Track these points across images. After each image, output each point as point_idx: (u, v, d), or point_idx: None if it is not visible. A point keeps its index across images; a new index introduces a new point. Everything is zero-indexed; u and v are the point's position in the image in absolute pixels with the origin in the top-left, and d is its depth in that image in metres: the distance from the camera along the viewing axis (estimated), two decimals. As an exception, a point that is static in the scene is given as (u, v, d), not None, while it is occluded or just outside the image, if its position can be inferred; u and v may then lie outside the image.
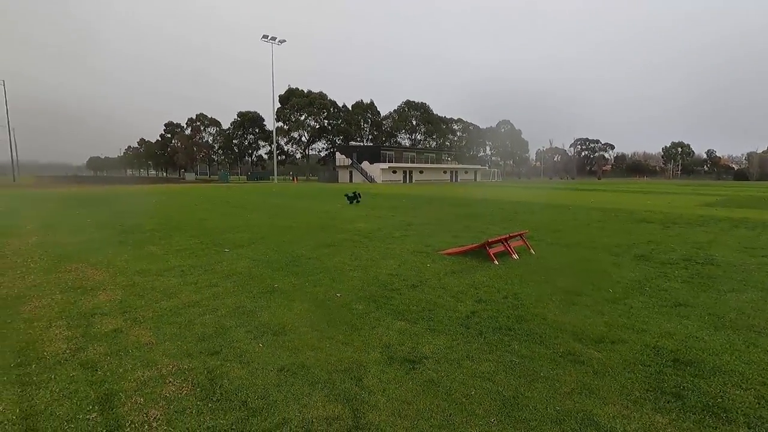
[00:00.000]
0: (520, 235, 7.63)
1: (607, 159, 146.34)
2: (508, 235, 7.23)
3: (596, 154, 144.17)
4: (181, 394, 2.93)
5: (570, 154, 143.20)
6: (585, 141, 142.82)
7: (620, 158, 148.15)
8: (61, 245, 8.34)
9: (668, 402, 2.84)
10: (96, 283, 5.67)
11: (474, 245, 7.33)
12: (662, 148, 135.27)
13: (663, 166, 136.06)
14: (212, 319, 4.33)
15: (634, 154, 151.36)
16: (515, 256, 7.06)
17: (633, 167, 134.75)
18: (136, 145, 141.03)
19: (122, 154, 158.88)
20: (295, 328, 4.12)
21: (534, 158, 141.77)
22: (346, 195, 19.09)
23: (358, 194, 18.96)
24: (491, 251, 6.85)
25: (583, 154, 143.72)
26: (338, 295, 5.14)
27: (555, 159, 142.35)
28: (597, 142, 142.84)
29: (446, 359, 3.46)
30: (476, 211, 15.26)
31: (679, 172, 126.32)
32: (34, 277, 5.97)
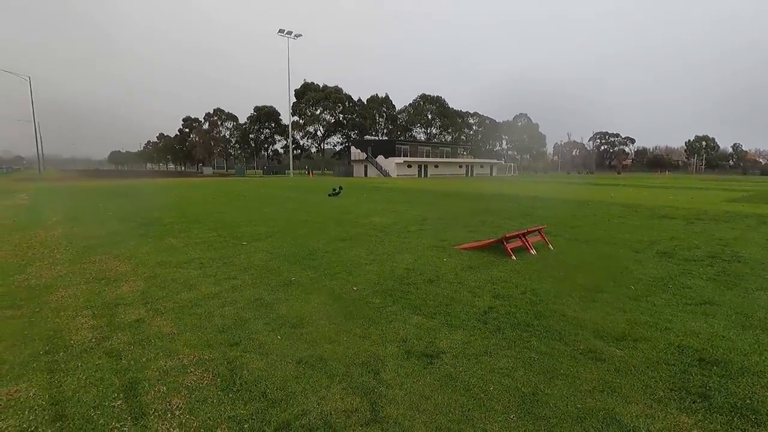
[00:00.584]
0: (538, 230, 7.52)
1: (628, 153, 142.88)
2: (526, 230, 7.13)
3: (616, 148, 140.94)
4: (202, 383, 2.99)
5: (589, 148, 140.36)
6: (604, 135, 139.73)
7: (641, 152, 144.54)
8: (85, 237, 8.57)
9: (694, 402, 2.77)
10: (119, 274, 5.81)
11: (491, 240, 7.26)
12: (685, 142, 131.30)
13: (686, 160, 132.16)
14: (231, 311, 4.39)
15: (656, 148, 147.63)
16: (533, 252, 6.96)
17: (654, 162, 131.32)
18: (156, 140, 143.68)
19: (142, 148, 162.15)
20: (313, 320, 4.15)
21: (551, 152, 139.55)
22: (333, 190, 21.26)
23: (340, 188, 21.33)
24: (508, 246, 6.77)
25: (602, 148, 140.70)
26: (355, 288, 5.16)
27: (573, 153, 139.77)
28: (617, 135, 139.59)
29: (464, 354, 3.44)
30: (492, 206, 15.10)
31: (702, 167, 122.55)
32: (60, 267, 6.15)
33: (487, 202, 17.13)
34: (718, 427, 2.52)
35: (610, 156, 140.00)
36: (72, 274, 5.80)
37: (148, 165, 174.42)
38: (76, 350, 3.50)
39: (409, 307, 4.53)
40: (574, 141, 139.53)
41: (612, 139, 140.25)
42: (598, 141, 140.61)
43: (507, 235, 6.87)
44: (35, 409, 2.68)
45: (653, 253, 7.12)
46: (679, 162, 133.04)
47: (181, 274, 5.78)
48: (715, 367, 3.22)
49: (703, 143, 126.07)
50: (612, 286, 5.26)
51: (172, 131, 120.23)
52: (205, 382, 3.00)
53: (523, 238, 7.04)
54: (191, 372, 3.14)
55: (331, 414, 2.64)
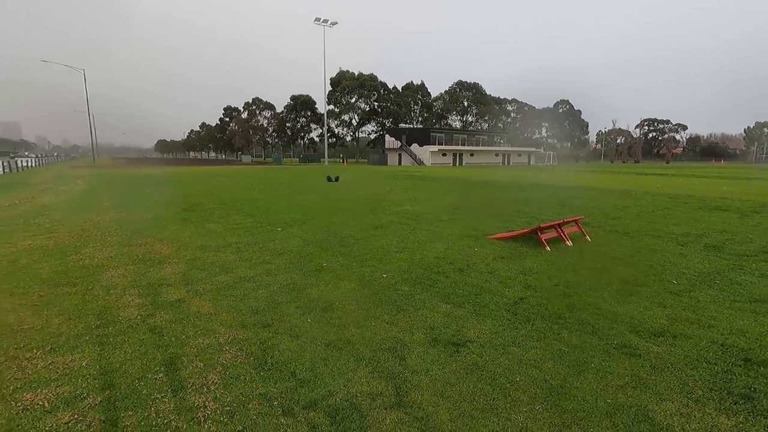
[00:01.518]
0: (575, 220, 7.26)
1: (678, 141, 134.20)
2: (562, 221, 6.91)
3: (666, 135, 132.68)
4: (236, 361, 3.14)
5: (635, 135, 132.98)
6: (653, 121, 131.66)
7: (694, 140, 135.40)
8: (132, 221, 9.10)
9: (736, 403, 2.62)
10: (162, 256, 6.15)
11: (525, 230, 7.09)
12: (744, 129, 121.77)
13: (745, 149, 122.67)
14: (265, 294, 4.56)
15: (711, 135, 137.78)
16: (569, 243, 6.75)
17: (708, 150, 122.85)
18: (198, 129, 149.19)
19: (185, 137, 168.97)
20: (342, 305, 4.24)
21: (594, 140, 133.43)
22: (328, 177, 22.41)
23: (336, 178, 22.16)
24: (543, 237, 6.59)
25: (650, 135, 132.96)
26: (385, 275, 5.21)
27: (618, 141, 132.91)
28: (667, 122, 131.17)
29: (491, 344, 3.41)
30: (529, 196, 14.70)
31: (764, 156, 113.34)
32: (110, 249, 6.58)
33: (523, 191, 16.68)
34: (762, 429, 2.39)
35: (658, 144, 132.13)
36: (121, 256, 6.19)
37: (191, 153, 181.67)
38: (123, 326, 3.76)
39: (438, 295, 4.53)
40: (620, 128, 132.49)
41: (661, 126, 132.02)
42: (646, 128, 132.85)
43: (542, 226, 6.69)
44: (87, 378, 2.92)
45: (700, 247, 6.72)
46: (737, 150, 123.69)
47: (219, 258, 6.04)
48: (762, 368, 3.03)
49: (765, 130, 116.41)
50: (652, 280, 5.03)
51: (214, 121, 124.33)
52: (239, 361, 3.15)
53: (558, 229, 6.83)
54: (226, 350, 3.30)
55: (356, 396, 2.71)
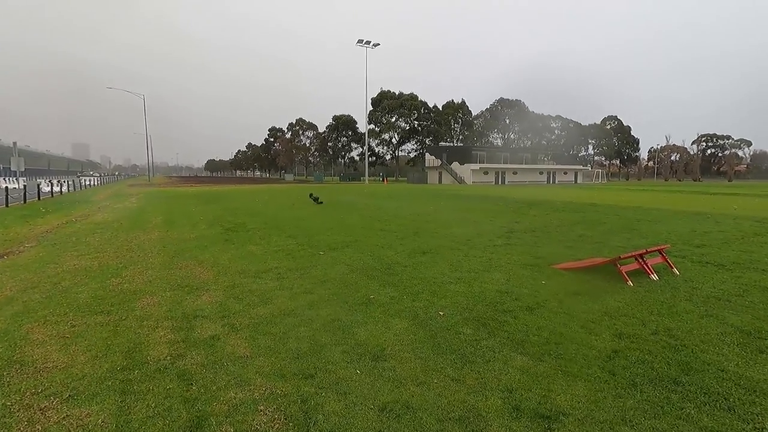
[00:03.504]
0: (658, 250, 6.25)
1: (741, 158, 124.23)
2: (644, 250, 5.93)
3: (727, 152, 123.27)
4: (272, 428, 2.57)
5: (692, 152, 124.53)
6: (712, 137, 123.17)
7: (759, 156, 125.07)
8: (177, 241, 8.98)
9: None
10: (201, 282, 5.80)
11: (599, 260, 6.18)
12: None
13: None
14: (307, 333, 4.01)
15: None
16: (654, 277, 5.77)
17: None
18: (245, 149, 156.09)
19: (233, 157, 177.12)
20: (396, 352, 3.60)
21: (645, 157, 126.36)
22: (311, 195, 20.37)
23: (317, 197, 19.99)
24: (623, 269, 5.67)
25: (708, 152, 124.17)
26: (441, 313, 4.53)
27: (673, 158, 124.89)
28: (728, 138, 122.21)
29: (592, 420, 2.64)
30: (588, 218, 13.50)
31: None
32: (150, 272, 6.33)
33: (580, 212, 15.44)
34: None
35: (718, 161, 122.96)
36: (159, 280, 5.91)
37: (237, 172, 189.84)
38: (150, 368, 3.31)
39: (509, 342, 3.79)
40: (674, 144, 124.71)
41: (721, 142, 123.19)
42: (704, 144, 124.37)
43: (622, 256, 5.77)
44: (99, 443, 2.44)
45: (824, 286, 5.53)
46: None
47: (258, 285, 5.60)
48: None
49: None
50: (780, 330, 4.02)
51: (260, 141, 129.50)
52: (276, 427, 2.57)
53: (640, 260, 5.87)
54: (262, 410, 2.74)
55: (426, 496, 2.04)
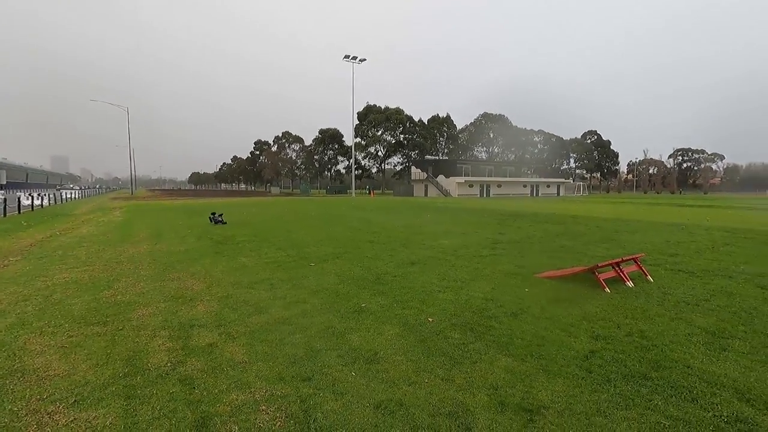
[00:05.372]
0: (634, 258, 6.61)
1: (716, 171, 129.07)
2: (620, 259, 6.29)
3: (702, 165, 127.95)
4: (275, 425, 2.73)
5: (669, 165, 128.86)
6: (687, 151, 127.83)
7: (732, 170, 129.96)
8: (166, 254, 9.02)
9: None
10: (195, 293, 5.90)
11: (578, 268, 6.51)
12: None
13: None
14: (302, 339, 4.18)
15: (750, 165, 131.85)
16: (630, 284, 6.11)
17: (749, 180, 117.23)
18: (230, 162, 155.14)
19: (217, 169, 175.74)
20: (388, 356, 3.80)
21: (625, 171, 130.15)
22: (212, 217, 16.02)
23: (220, 215, 16.01)
24: (601, 276, 5.99)
25: (684, 165, 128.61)
26: (430, 320, 4.75)
27: (650, 171, 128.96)
28: (702, 152, 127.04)
29: (570, 411, 2.88)
30: (570, 229, 13.96)
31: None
32: (143, 284, 6.40)
33: (562, 224, 15.92)
34: None
35: (694, 174, 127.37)
36: (153, 291, 5.99)
37: (222, 185, 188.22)
38: (152, 375, 3.44)
39: (494, 345, 4.02)
40: (651, 158, 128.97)
41: (696, 156, 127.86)
42: (680, 158, 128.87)
43: (599, 264, 6.10)
44: (110, 442, 2.57)
45: (785, 290, 5.94)
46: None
47: (252, 296, 5.74)
48: None
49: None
50: (742, 331, 4.35)
51: (245, 154, 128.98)
52: (278, 425, 2.74)
53: (617, 268, 6.21)
54: (263, 410, 2.91)
55: (420, 480, 2.24)
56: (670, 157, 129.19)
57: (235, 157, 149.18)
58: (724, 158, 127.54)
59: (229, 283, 6.42)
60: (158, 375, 3.44)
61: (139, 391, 3.17)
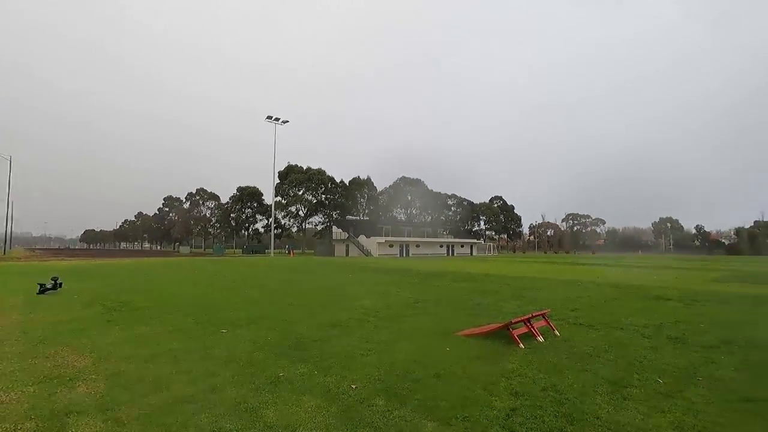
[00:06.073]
0: (542, 314, 7.10)
1: (599, 233, 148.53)
2: (530, 315, 6.70)
3: (588, 228, 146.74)
4: None
5: (563, 228, 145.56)
6: (576, 216, 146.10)
7: (612, 233, 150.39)
8: (43, 324, 7.65)
9: None
10: (76, 371, 4.99)
11: (495, 326, 6.77)
12: (652, 223, 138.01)
13: (654, 240, 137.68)
14: (209, 420, 3.67)
15: (625, 228, 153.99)
16: (540, 338, 6.48)
17: (625, 241, 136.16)
18: (133, 219, 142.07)
19: (118, 227, 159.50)
20: (308, 431, 3.47)
21: (527, 232, 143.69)
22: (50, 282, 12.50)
23: (55, 280, 12.58)
24: (515, 333, 6.29)
25: (575, 228, 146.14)
26: (353, 386, 4.51)
27: (548, 233, 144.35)
28: (587, 217, 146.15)
29: (497, 476, 2.82)
30: (484, 287, 14.70)
31: (671, 247, 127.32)
32: (6, 364, 5.28)
33: (476, 282, 16.74)
34: None
35: (583, 236, 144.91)
36: (20, 371, 4.95)
37: (122, 244, 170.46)
38: (5, 483, 2.73)
39: (420, 409, 3.91)
40: (548, 222, 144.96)
41: (583, 220, 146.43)
42: (571, 222, 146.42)
43: (512, 321, 6.43)
44: None
45: (665, 339, 6.73)
46: (648, 242, 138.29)
47: (150, 371, 5.00)
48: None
49: (668, 225, 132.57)
50: (637, 379, 4.78)
51: (152, 211, 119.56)
52: None
53: (528, 324, 6.59)
54: None
55: None
56: (563, 220, 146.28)
57: (140, 213, 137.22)
58: (605, 222, 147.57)
59: (121, 357, 5.56)
60: (14, 482, 2.74)
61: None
